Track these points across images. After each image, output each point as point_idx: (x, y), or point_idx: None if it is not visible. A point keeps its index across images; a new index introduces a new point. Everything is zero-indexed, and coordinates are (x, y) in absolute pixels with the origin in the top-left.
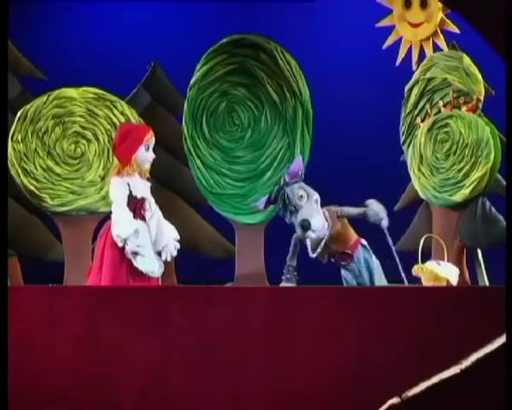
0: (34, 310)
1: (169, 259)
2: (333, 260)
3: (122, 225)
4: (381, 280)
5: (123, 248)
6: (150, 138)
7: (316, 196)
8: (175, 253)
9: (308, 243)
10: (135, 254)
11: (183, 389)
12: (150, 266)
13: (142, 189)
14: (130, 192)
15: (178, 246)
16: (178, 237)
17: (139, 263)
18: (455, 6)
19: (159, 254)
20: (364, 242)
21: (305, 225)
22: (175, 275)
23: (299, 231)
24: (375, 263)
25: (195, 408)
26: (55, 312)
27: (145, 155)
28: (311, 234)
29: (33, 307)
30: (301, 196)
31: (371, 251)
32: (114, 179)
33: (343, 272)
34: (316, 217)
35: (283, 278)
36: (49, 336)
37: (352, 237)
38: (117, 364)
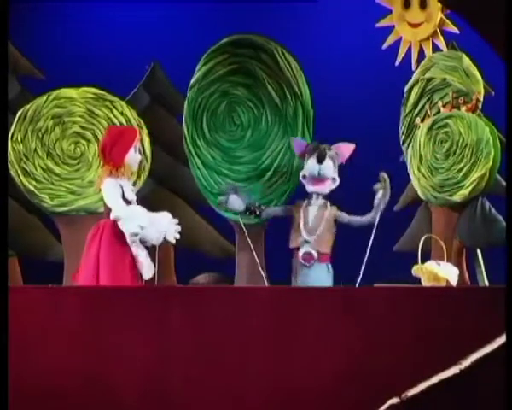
0: (34, 310)
1: (173, 241)
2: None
3: (136, 219)
4: None
5: (124, 245)
6: (139, 140)
7: None
8: (177, 235)
9: None
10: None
11: (182, 389)
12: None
13: (131, 191)
14: (123, 194)
15: (179, 228)
16: (176, 220)
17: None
18: (454, 6)
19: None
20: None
21: None
22: (175, 275)
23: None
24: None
25: (195, 408)
26: (55, 312)
27: (135, 157)
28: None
29: (33, 307)
30: None
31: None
32: (108, 180)
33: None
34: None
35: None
36: (49, 337)
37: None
38: (117, 364)
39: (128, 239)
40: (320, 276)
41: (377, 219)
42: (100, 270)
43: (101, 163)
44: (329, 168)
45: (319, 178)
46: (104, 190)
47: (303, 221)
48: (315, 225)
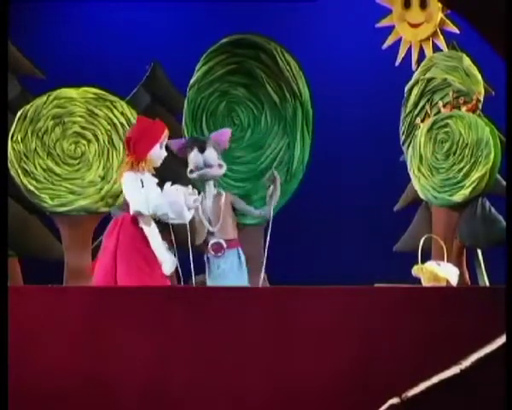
0: (34, 310)
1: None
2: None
3: (162, 205)
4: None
5: (143, 240)
6: (166, 136)
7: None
8: (198, 203)
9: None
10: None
11: (183, 389)
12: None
13: (154, 185)
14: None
15: (195, 195)
16: (189, 190)
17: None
18: (455, 6)
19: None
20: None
21: None
22: (175, 275)
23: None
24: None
25: (195, 408)
26: (55, 312)
27: (160, 153)
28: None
29: (33, 307)
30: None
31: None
32: (128, 174)
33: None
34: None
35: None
36: (49, 337)
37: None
38: (117, 364)
39: (151, 232)
40: (233, 263)
41: (271, 216)
42: (117, 266)
43: (126, 153)
44: (213, 156)
45: (205, 167)
46: (123, 183)
47: (203, 215)
48: (214, 214)
